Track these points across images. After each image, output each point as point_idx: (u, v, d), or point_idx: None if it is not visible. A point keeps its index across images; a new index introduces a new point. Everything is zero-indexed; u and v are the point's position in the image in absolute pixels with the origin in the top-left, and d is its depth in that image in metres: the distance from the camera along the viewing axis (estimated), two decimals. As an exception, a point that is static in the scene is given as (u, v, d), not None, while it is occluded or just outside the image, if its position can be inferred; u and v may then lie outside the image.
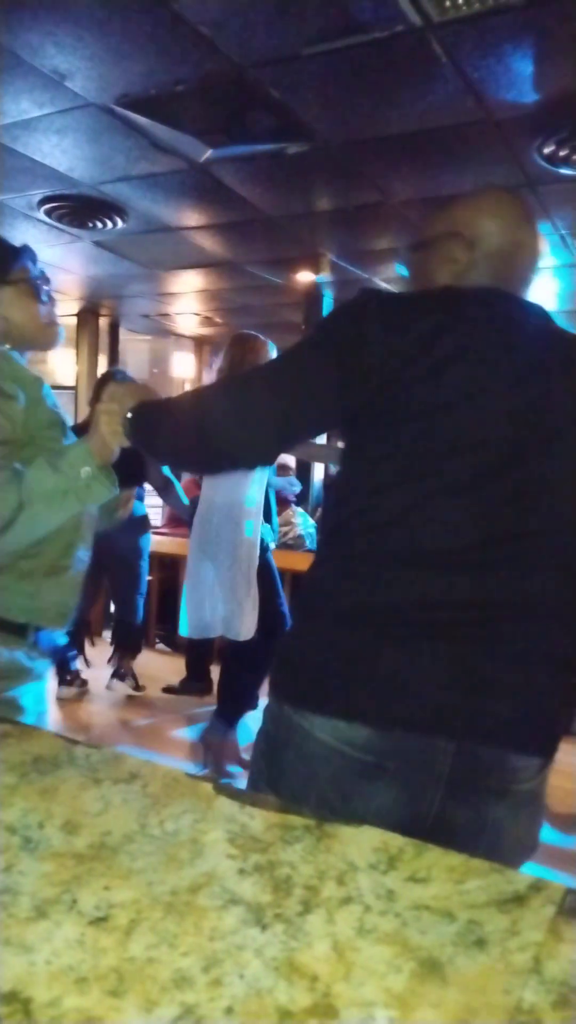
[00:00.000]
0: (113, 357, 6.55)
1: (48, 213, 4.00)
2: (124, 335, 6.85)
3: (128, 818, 0.78)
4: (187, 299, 6.03)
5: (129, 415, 1.22)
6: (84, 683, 3.92)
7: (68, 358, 6.62)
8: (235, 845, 0.73)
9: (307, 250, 4.46)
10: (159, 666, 4.49)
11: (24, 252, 1.41)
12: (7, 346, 1.37)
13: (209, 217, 4.03)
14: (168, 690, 3.91)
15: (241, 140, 3.07)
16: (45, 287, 1.41)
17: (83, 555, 1.42)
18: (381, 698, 0.95)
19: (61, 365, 6.89)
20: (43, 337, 1.41)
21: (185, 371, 7.49)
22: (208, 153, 3.19)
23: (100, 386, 4.01)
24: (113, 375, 4.09)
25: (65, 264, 5.02)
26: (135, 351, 7.54)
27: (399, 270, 1.27)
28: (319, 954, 0.58)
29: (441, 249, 1.12)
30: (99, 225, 4.14)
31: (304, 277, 4.89)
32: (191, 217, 4.06)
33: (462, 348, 1.00)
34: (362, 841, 0.74)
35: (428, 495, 0.97)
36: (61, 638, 1.46)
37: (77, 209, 3.94)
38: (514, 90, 2.57)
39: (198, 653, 3.91)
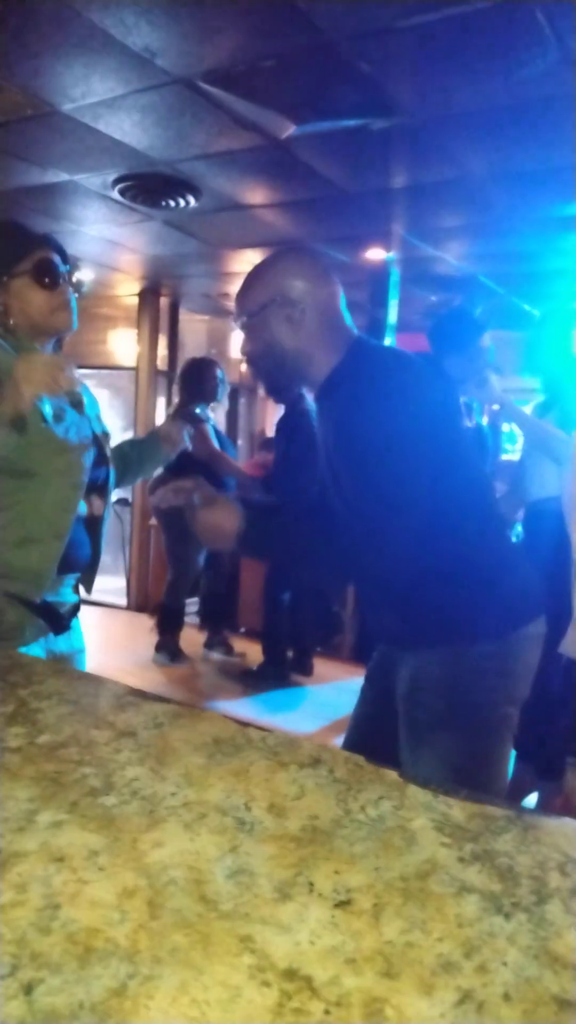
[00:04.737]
0: (173, 337, 6.55)
1: (122, 192, 4.00)
2: (183, 315, 6.86)
3: (328, 803, 0.79)
4: (249, 278, 6.01)
5: (243, 527, 1.36)
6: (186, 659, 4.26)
7: (129, 338, 6.66)
8: (445, 833, 0.74)
9: (379, 227, 4.40)
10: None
11: (36, 241, 1.48)
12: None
13: (282, 194, 3.99)
14: (246, 674, 3.96)
15: (327, 116, 3.03)
16: (58, 273, 1.47)
17: (62, 528, 1.46)
18: None
19: (121, 345, 6.93)
20: (50, 324, 1.48)
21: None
22: (291, 129, 3.15)
23: (191, 375, 4.08)
24: (201, 364, 4.20)
25: (132, 243, 5.03)
26: (193, 331, 7.53)
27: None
28: (573, 944, 0.59)
29: (273, 314, 1.38)
30: (171, 204, 4.12)
31: (374, 255, 4.82)
32: (264, 194, 4.02)
33: None
34: (568, 832, 0.75)
35: None
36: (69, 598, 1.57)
37: (151, 187, 3.93)
38: (618, 61, 2.49)
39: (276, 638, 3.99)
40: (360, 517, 1.31)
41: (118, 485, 1.71)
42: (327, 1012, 0.51)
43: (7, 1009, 0.49)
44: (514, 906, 0.63)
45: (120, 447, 1.76)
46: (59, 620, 1.52)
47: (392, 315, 5.24)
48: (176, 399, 4.39)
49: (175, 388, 4.30)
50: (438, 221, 4.31)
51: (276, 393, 4.07)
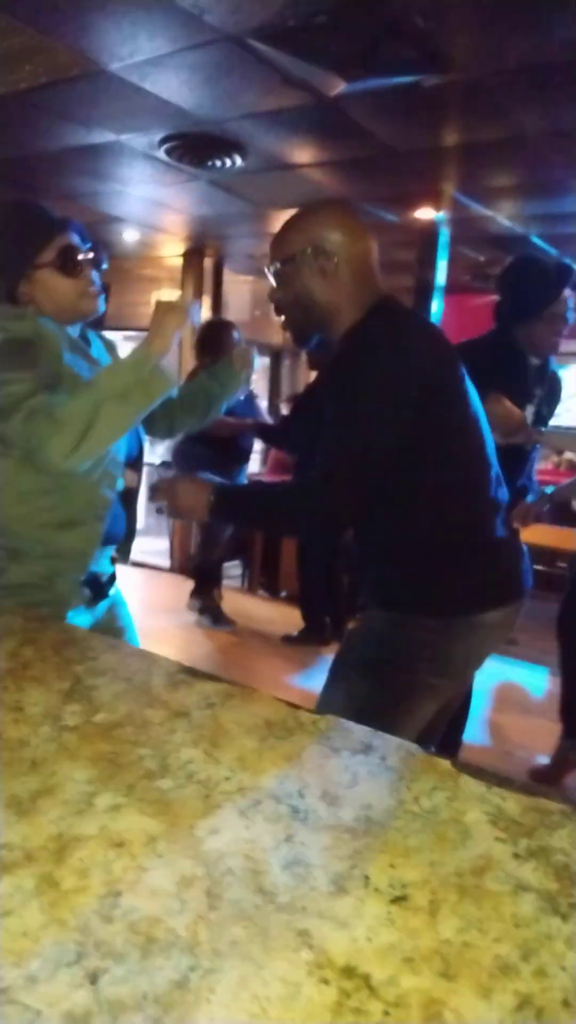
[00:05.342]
0: (217, 298, 6.50)
1: (168, 152, 3.94)
2: (227, 276, 6.79)
3: (381, 792, 0.80)
4: (294, 238, 5.91)
5: (213, 499, 1.43)
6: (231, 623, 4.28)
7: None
8: (499, 827, 0.74)
9: (429, 186, 4.27)
10: (266, 613, 4.65)
11: (56, 227, 1.46)
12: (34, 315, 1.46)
13: (331, 153, 3.90)
14: (287, 640, 3.99)
15: (378, 72, 2.93)
16: (84, 257, 1.47)
17: (104, 508, 1.49)
18: None
19: (165, 305, 6.89)
20: (78, 310, 1.50)
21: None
22: (341, 87, 3.06)
23: (208, 337, 4.07)
24: (220, 325, 4.22)
25: (177, 203, 4.97)
26: (237, 292, 7.45)
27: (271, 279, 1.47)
28: (633, 952, 0.58)
29: (306, 263, 1.38)
30: (217, 163, 4.05)
31: (423, 214, 4.69)
32: (312, 153, 3.93)
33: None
34: (626, 831, 0.74)
35: None
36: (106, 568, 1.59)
37: (198, 147, 3.86)
38: None
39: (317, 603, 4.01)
40: (317, 464, 1.33)
41: (203, 422, 1.77)
42: (386, 1013, 0.52)
43: (74, 998, 0.51)
44: (571, 907, 0.63)
45: (198, 382, 1.79)
46: (100, 588, 1.57)
47: (441, 276, 5.12)
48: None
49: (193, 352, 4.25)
50: (490, 180, 4.17)
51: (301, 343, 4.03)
